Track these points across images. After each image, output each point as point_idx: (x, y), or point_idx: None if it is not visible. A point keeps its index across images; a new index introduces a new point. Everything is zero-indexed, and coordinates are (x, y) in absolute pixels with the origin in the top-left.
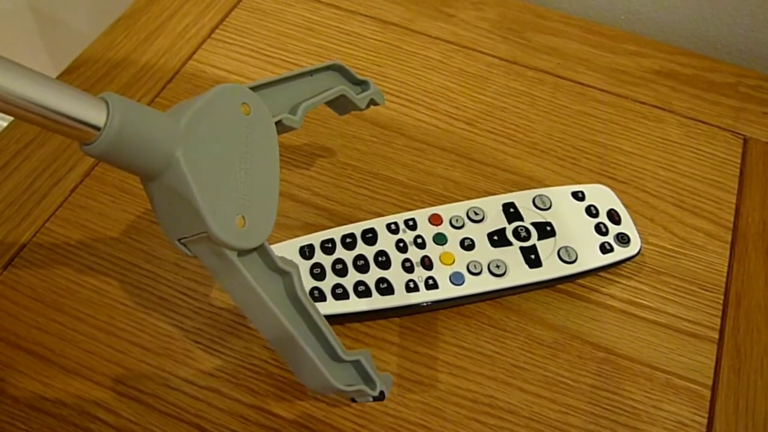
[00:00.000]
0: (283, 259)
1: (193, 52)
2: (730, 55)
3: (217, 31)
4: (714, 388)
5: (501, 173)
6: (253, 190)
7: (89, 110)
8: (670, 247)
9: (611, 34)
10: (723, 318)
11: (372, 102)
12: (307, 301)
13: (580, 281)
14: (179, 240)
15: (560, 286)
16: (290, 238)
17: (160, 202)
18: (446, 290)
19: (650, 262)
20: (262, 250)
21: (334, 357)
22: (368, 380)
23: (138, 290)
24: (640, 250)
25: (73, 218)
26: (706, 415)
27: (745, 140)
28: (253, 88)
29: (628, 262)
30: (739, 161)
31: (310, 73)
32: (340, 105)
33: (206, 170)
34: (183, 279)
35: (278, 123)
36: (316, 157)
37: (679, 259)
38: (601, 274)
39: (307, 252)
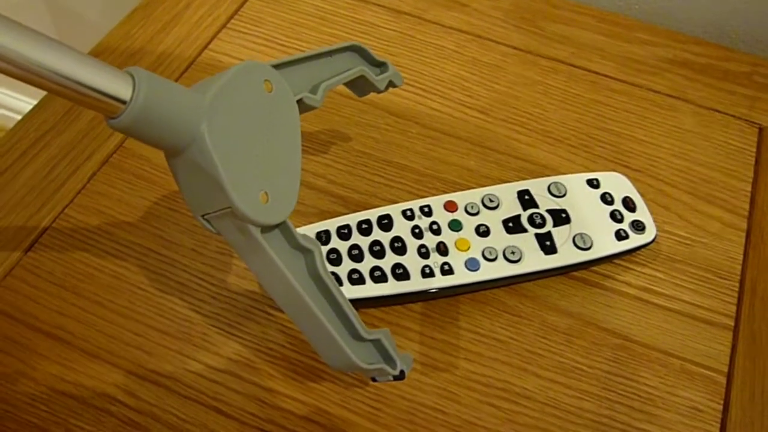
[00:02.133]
0: (305, 236)
1: (209, 42)
2: (745, 44)
3: (233, 20)
4: (729, 375)
5: (515, 161)
6: (276, 167)
7: (116, 84)
8: (685, 234)
9: (625, 23)
10: (738, 305)
11: (391, 84)
12: (329, 279)
13: (595, 268)
14: (203, 216)
15: (575, 273)
16: (306, 224)
17: (184, 178)
18: (461, 276)
19: (665, 249)
20: (284, 228)
21: (356, 336)
22: (389, 359)
23: (156, 275)
24: (655, 237)
25: (92, 205)
26: (722, 402)
27: (761, 129)
28: (275, 66)
29: (643, 250)
30: (755, 150)
31: (330, 53)
32: (359, 86)
33: (230, 146)
34: (201, 264)
35: (299, 102)
36: (332, 145)
37: (694, 246)
38: (616, 261)
39: (323, 238)
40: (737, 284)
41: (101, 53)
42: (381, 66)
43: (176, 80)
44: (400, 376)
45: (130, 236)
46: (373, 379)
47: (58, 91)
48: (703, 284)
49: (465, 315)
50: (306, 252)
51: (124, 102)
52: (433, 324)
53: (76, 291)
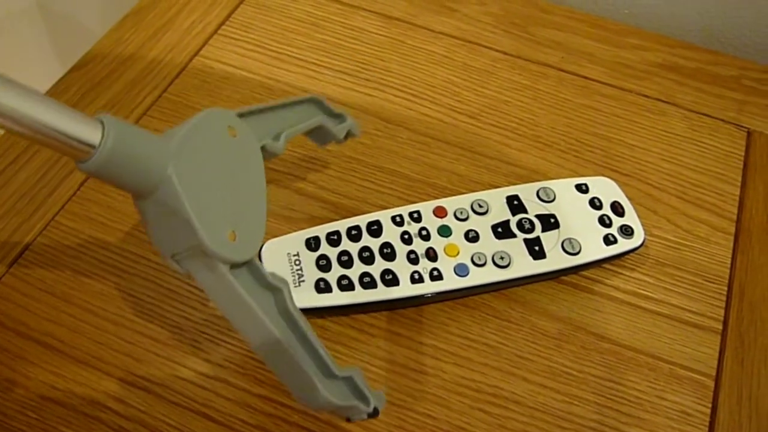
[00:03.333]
0: (273, 275)
1: (200, 48)
2: (734, 48)
3: (223, 27)
4: (717, 379)
5: (505, 166)
6: (242, 207)
7: (86, 129)
8: (673, 239)
9: (615, 28)
10: (726, 309)
11: (349, 134)
12: (299, 317)
13: (584, 273)
14: (172, 256)
15: (564, 278)
16: (296, 230)
17: (152, 220)
18: (451, 281)
19: (654, 254)
20: (252, 267)
21: (328, 374)
22: (361, 397)
23: (146, 282)
24: (644, 241)
25: (83, 212)
26: (710, 405)
27: (749, 133)
28: (240, 115)
29: (631, 254)
30: (743, 154)
31: (291, 104)
32: (319, 135)
33: (197, 187)
34: None
35: (262, 148)
36: (322, 151)
37: (682, 251)
38: (605, 265)
39: (313, 244)
40: (725, 288)
41: (92, 60)
42: (339, 117)
43: (167, 86)
44: (374, 413)
45: (120, 243)
46: (348, 420)
47: (30, 136)
48: (691, 288)
49: (454, 320)
50: (275, 290)
51: (93, 146)
52: (423, 329)
53: (66, 298)
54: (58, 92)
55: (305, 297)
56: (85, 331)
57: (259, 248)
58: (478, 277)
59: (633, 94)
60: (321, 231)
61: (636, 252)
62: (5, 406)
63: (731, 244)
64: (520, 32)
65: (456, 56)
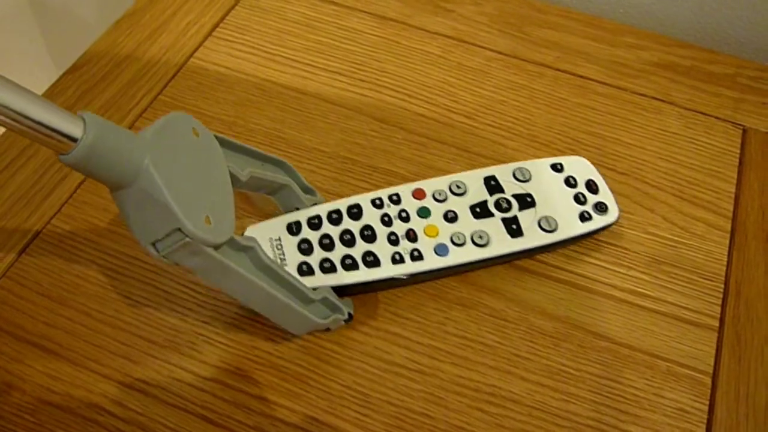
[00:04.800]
0: (243, 237)
1: (195, 50)
2: (729, 47)
3: (218, 29)
4: (714, 376)
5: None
6: (213, 196)
7: (69, 124)
8: (670, 237)
9: (610, 27)
10: (723, 306)
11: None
12: (273, 264)
13: (580, 271)
14: (153, 244)
15: (562, 276)
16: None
17: (131, 209)
18: (431, 261)
19: (650, 251)
20: (229, 241)
21: (306, 300)
22: (336, 309)
23: (143, 284)
24: (618, 217)
25: (79, 214)
26: (707, 403)
27: (744, 130)
28: (218, 139)
29: (629, 252)
30: (738, 151)
31: (265, 156)
32: (285, 197)
33: (171, 177)
34: (187, 273)
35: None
36: (317, 152)
37: (679, 248)
38: (602, 263)
39: (294, 228)
40: (722, 285)
41: (87, 62)
42: (309, 192)
43: (163, 88)
44: (349, 318)
45: (116, 245)
46: (327, 329)
47: (20, 130)
48: (688, 286)
49: (452, 320)
50: (248, 250)
51: (75, 140)
52: (420, 329)
53: (62, 301)
54: (54, 94)
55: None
56: (81, 333)
57: (232, 231)
58: (458, 256)
59: (629, 93)
60: (302, 215)
61: (633, 250)
62: (2, 409)
63: (727, 242)
64: (515, 32)
65: (451, 56)
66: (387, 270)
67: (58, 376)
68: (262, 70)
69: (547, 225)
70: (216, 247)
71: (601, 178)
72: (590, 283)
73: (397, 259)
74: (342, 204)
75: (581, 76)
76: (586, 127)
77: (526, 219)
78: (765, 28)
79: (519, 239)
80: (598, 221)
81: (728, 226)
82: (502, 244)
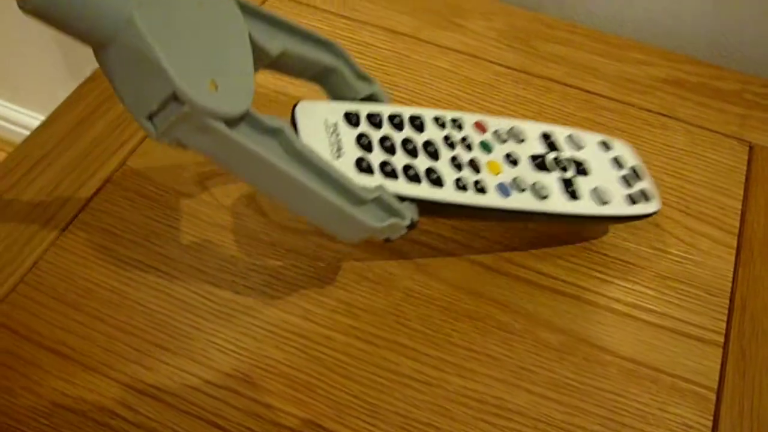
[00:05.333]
0: (270, 117)
1: None
2: (736, 63)
3: None
4: (719, 391)
5: None
6: (222, 59)
7: None
8: (676, 252)
9: (618, 42)
10: (728, 322)
11: (373, 97)
12: (309, 152)
13: (585, 285)
14: (149, 117)
15: (568, 290)
16: (304, 244)
17: (118, 74)
18: (493, 198)
19: (656, 267)
20: (248, 118)
21: (357, 200)
22: (395, 213)
23: (156, 292)
24: (658, 209)
25: (94, 222)
26: (711, 418)
27: (751, 147)
28: (241, 7)
29: (635, 267)
30: (745, 168)
31: (305, 35)
32: (334, 84)
33: (163, 32)
34: (201, 282)
35: (251, 41)
36: None
37: (684, 264)
38: (608, 278)
39: (353, 119)
40: (727, 301)
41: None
42: (364, 79)
43: None
44: (413, 225)
45: (130, 253)
46: (387, 240)
47: None
48: (693, 301)
49: (459, 331)
50: (276, 133)
51: None
52: (428, 340)
53: (77, 306)
54: (71, 103)
55: (345, 173)
56: (95, 339)
57: (249, 101)
58: (518, 201)
59: (636, 108)
60: (361, 108)
61: (639, 265)
62: (18, 412)
63: (733, 258)
64: (524, 47)
65: (461, 70)
66: (450, 193)
67: (71, 380)
68: (273, 82)
69: (600, 196)
70: (229, 123)
71: (644, 166)
72: (596, 297)
73: (460, 186)
74: (404, 111)
75: (589, 91)
76: None
77: (582, 185)
78: None
79: (575, 203)
80: (644, 207)
81: (734, 243)
82: (559, 202)
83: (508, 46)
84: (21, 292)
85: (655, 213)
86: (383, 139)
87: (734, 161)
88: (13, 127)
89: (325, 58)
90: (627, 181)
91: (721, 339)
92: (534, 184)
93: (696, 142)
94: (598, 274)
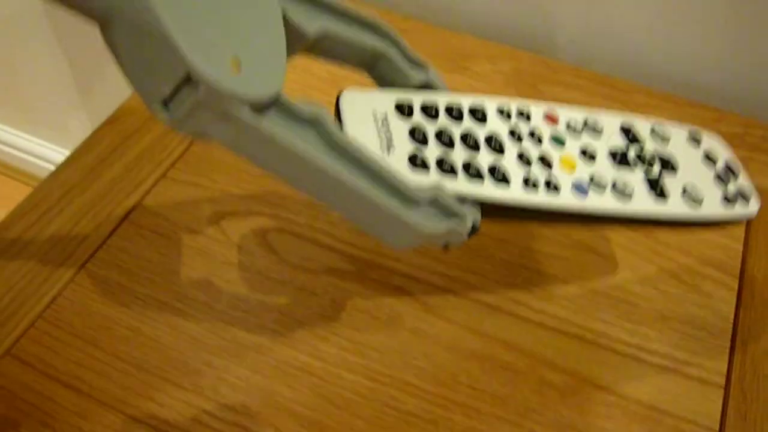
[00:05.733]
0: (307, 103)
1: None
2: (738, 105)
3: None
4: None
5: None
6: (248, 33)
7: None
8: (678, 293)
9: (622, 86)
10: (730, 364)
11: (430, 85)
12: (353, 147)
13: (590, 326)
14: (163, 104)
15: (571, 330)
16: (315, 282)
17: (126, 51)
18: (568, 198)
19: (659, 307)
20: (279, 104)
21: (409, 201)
22: (454, 215)
23: (170, 329)
24: (759, 209)
25: (111, 259)
26: None
27: None
28: None
29: (637, 307)
30: None
31: (352, 17)
32: (384, 70)
33: (178, 3)
34: (212, 318)
35: (285, 20)
36: None
37: (686, 305)
38: (611, 318)
39: (405, 110)
40: (729, 343)
41: (123, 115)
42: (418, 66)
43: (193, 141)
44: (473, 231)
45: (146, 290)
46: (446, 247)
47: None
48: (695, 342)
49: (464, 370)
50: (314, 122)
51: None
52: (433, 378)
53: (93, 343)
54: (90, 144)
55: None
56: (110, 375)
57: (280, 84)
58: (597, 201)
59: None
60: (414, 97)
61: (641, 305)
62: None
63: (734, 299)
64: (530, 90)
65: None
66: (518, 193)
67: (86, 416)
68: (314, 67)
69: (692, 196)
70: (256, 109)
71: (739, 162)
72: (599, 337)
73: (529, 184)
74: (463, 100)
75: None
76: None
77: (670, 183)
78: None
79: (662, 202)
80: (741, 209)
81: (735, 285)
82: (644, 202)
83: (514, 88)
84: (39, 327)
85: (754, 215)
86: (440, 133)
87: None
88: (24, 156)
89: (373, 42)
90: (721, 178)
91: (723, 380)
92: (615, 181)
93: None
94: (603, 315)
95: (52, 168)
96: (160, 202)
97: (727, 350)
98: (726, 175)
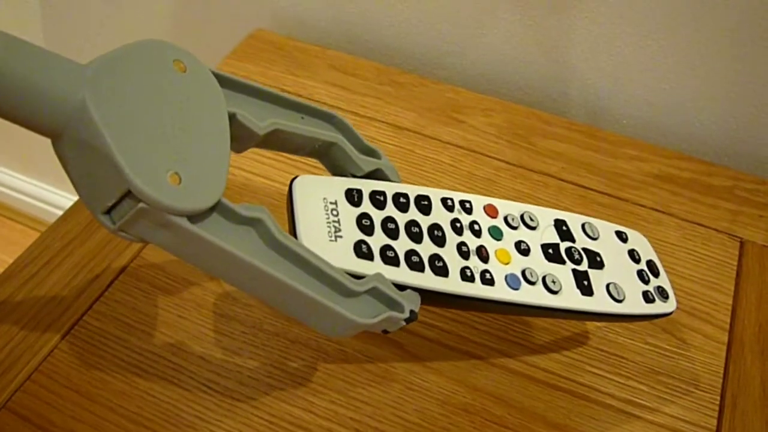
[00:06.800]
0: (246, 206)
1: None
2: (728, 158)
3: None
4: None
5: None
6: (191, 149)
7: None
8: (667, 347)
9: (612, 139)
10: (719, 419)
11: (383, 177)
12: (291, 242)
13: (580, 379)
14: (106, 212)
15: (561, 384)
16: (307, 335)
17: (74, 166)
18: (502, 291)
19: (648, 362)
20: (220, 208)
21: (346, 292)
22: (393, 304)
23: (165, 382)
24: (675, 309)
25: (109, 312)
26: None
27: (742, 243)
28: (219, 78)
29: (627, 362)
30: (736, 263)
31: (302, 108)
32: (334, 158)
33: (122, 121)
34: (206, 371)
35: (235, 120)
36: None
37: (676, 359)
38: (601, 372)
39: (355, 197)
40: (718, 397)
41: None
42: (369, 152)
43: None
44: (412, 317)
45: (142, 343)
46: (385, 332)
47: None
48: (684, 397)
49: (455, 425)
50: (254, 222)
51: None
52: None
53: (89, 396)
54: None
55: (341, 258)
56: (106, 429)
57: (220, 193)
58: (528, 295)
59: (629, 204)
60: (364, 185)
61: (631, 360)
62: None
63: (724, 354)
64: (522, 143)
65: (462, 165)
66: (455, 284)
67: None
68: (284, 176)
69: (615, 293)
70: (195, 217)
71: (659, 261)
72: (589, 392)
73: (467, 275)
74: (410, 190)
75: (584, 186)
76: None
77: (596, 279)
78: (762, 140)
79: (589, 298)
80: (660, 307)
81: (725, 338)
82: (571, 297)
83: (507, 141)
84: (36, 380)
85: (671, 313)
86: (385, 221)
87: (725, 256)
88: (23, 198)
89: (325, 133)
90: (643, 276)
91: None
92: (545, 276)
93: (688, 237)
94: (593, 369)
95: (53, 210)
96: (157, 255)
97: (717, 405)
98: (647, 274)
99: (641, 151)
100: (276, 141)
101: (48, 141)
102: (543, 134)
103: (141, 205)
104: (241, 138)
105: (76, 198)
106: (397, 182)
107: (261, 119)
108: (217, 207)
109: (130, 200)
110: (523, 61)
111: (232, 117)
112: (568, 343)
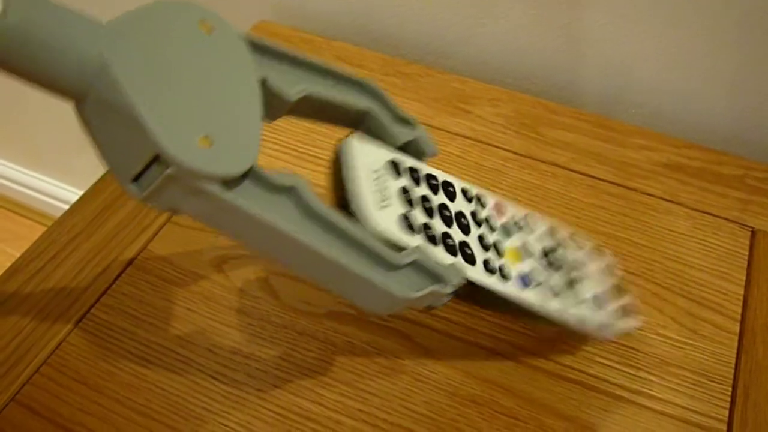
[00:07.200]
0: (281, 174)
1: None
2: (738, 147)
3: None
4: None
5: None
6: (222, 112)
7: None
8: (678, 338)
9: (621, 128)
10: (731, 410)
11: (418, 148)
12: (327, 212)
13: (591, 371)
14: (134, 180)
15: (572, 375)
16: (316, 327)
17: (99, 131)
18: (515, 288)
19: (659, 353)
20: (254, 175)
21: (388, 266)
22: (436, 278)
23: (172, 374)
24: (639, 326)
25: (116, 305)
26: None
27: (753, 232)
28: (251, 43)
29: (638, 353)
30: (747, 253)
31: (333, 75)
32: (368, 128)
33: (146, 81)
34: (214, 364)
35: (265, 86)
36: None
37: (687, 350)
38: (612, 363)
39: (396, 169)
40: (730, 388)
41: None
42: (404, 122)
43: None
44: (456, 292)
45: (149, 335)
46: (429, 308)
47: None
48: (696, 388)
49: (464, 417)
50: (289, 191)
51: None
52: (433, 424)
53: (97, 389)
54: (95, 191)
55: (387, 227)
56: (114, 421)
57: (254, 158)
58: (535, 296)
59: (639, 193)
60: (402, 158)
61: (642, 351)
62: None
63: (735, 344)
64: (530, 133)
65: (469, 156)
66: (480, 274)
67: None
68: (292, 169)
69: (597, 303)
70: (228, 183)
71: (625, 284)
72: (600, 384)
73: (488, 267)
74: (438, 174)
75: (593, 177)
76: (597, 227)
77: (583, 289)
78: None
79: (577, 306)
80: (626, 323)
81: (736, 328)
82: (563, 303)
83: (515, 132)
84: (45, 373)
85: (634, 330)
86: (423, 199)
87: (736, 246)
88: (31, 193)
89: (358, 101)
90: (614, 292)
91: (724, 427)
92: (545, 280)
93: (698, 227)
94: (603, 360)
95: (60, 205)
96: (165, 247)
97: (729, 396)
98: (618, 290)
99: (650, 140)
100: (307, 108)
101: (55, 137)
102: (551, 124)
103: (170, 170)
104: (271, 105)
105: (82, 192)
106: (433, 153)
107: (291, 85)
108: (250, 174)
109: (158, 165)
110: (530, 50)
111: (262, 82)
112: (578, 334)
